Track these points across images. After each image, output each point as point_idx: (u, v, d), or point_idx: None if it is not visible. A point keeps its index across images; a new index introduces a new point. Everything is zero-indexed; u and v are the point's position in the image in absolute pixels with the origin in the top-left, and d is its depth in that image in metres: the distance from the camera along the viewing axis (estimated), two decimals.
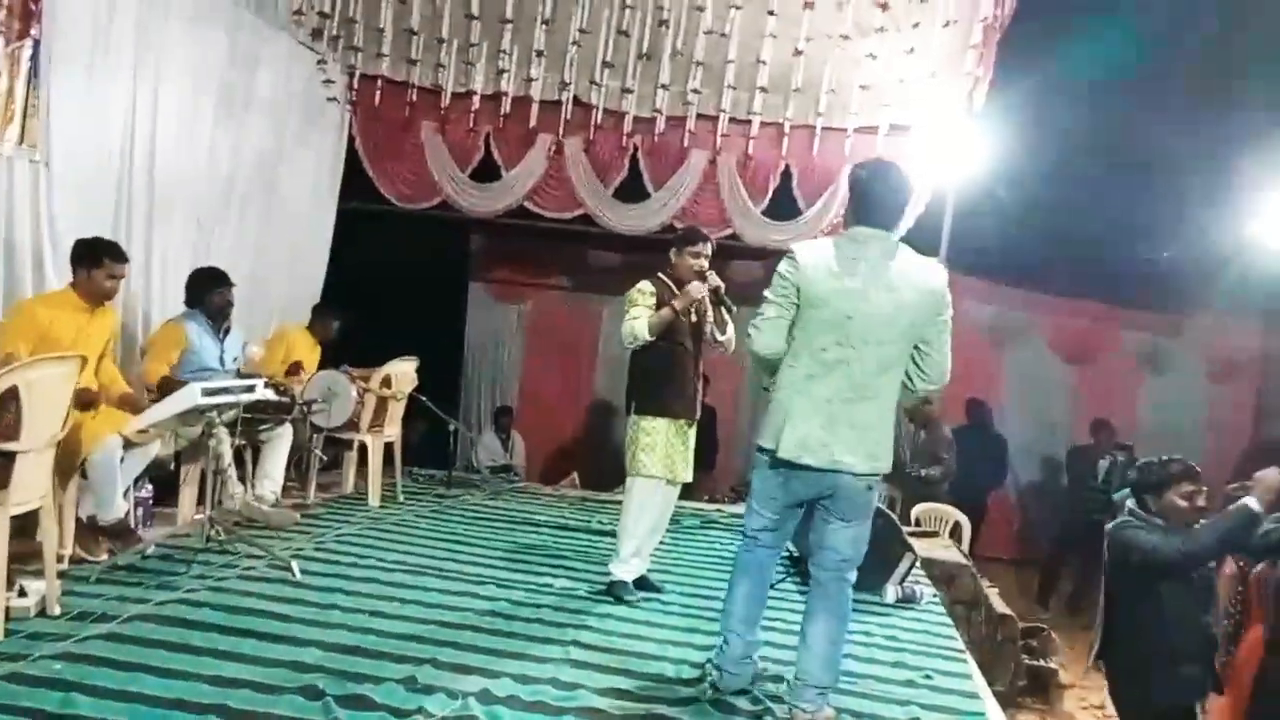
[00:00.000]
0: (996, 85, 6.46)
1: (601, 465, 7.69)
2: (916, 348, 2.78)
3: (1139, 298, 8.93)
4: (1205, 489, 3.41)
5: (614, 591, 3.94)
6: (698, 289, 3.88)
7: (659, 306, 3.90)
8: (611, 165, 6.89)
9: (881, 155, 6.61)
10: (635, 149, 6.85)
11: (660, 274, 4.04)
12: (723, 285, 3.99)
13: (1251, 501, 3.20)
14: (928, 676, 3.39)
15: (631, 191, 6.98)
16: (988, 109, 6.50)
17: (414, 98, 6.85)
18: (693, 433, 4.09)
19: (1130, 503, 3.53)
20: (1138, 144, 8.73)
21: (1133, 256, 8.80)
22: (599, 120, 6.77)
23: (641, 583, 4.06)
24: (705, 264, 3.97)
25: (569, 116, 6.79)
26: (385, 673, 2.85)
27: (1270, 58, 7.83)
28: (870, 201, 2.81)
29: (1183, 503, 3.36)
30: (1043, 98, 8.11)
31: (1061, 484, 8.45)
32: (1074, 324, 9.25)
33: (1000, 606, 5.45)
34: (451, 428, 6.20)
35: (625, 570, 3.99)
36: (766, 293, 2.85)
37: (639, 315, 3.89)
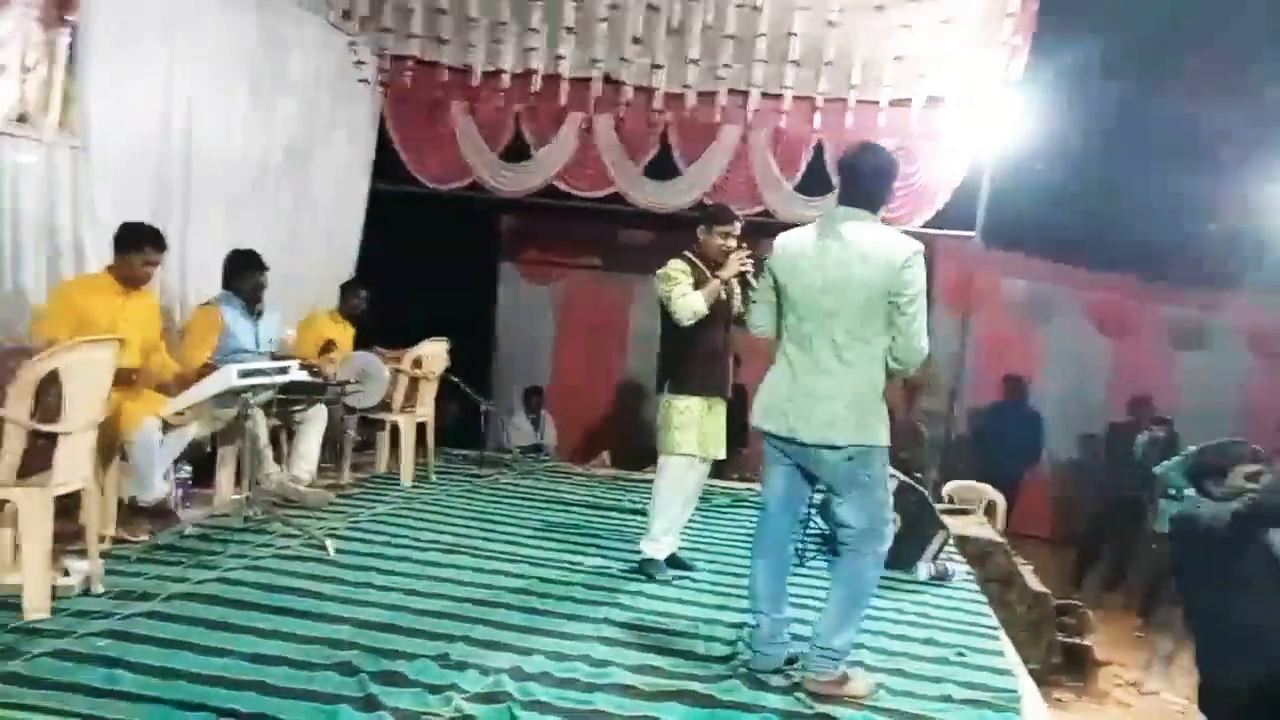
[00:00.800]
0: (1035, 55, 6.31)
1: (632, 445, 7.71)
2: (891, 321, 2.77)
3: (1178, 272, 8.73)
4: (1270, 470, 3.25)
5: (646, 569, 3.97)
6: (741, 260, 3.86)
7: (696, 286, 3.88)
8: (642, 142, 6.85)
9: (913, 128, 6.52)
10: (665, 126, 6.79)
11: (687, 253, 4.01)
12: (752, 266, 3.96)
13: None
14: (960, 654, 3.38)
15: (662, 169, 6.93)
16: (1026, 80, 6.34)
17: (444, 77, 6.85)
18: (724, 411, 4.09)
19: (1190, 491, 3.42)
20: (1178, 116, 8.50)
21: (1172, 230, 8.60)
22: (629, 97, 6.72)
23: (673, 560, 4.08)
24: (734, 243, 3.96)
25: (599, 94, 6.75)
26: (419, 649, 2.89)
27: None
28: (850, 180, 2.90)
29: (1249, 484, 3.21)
30: (1082, 68, 7.93)
31: (1099, 461, 8.32)
32: (1112, 299, 9.07)
33: (1035, 584, 5.41)
34: (483, 408, 6.24)
35: (657, 548, 4.01)
36: (756, 283, 3.12)
37: (687, 291, 3.86)
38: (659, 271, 3.97)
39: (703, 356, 3.97)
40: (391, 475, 5.42)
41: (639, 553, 4.05)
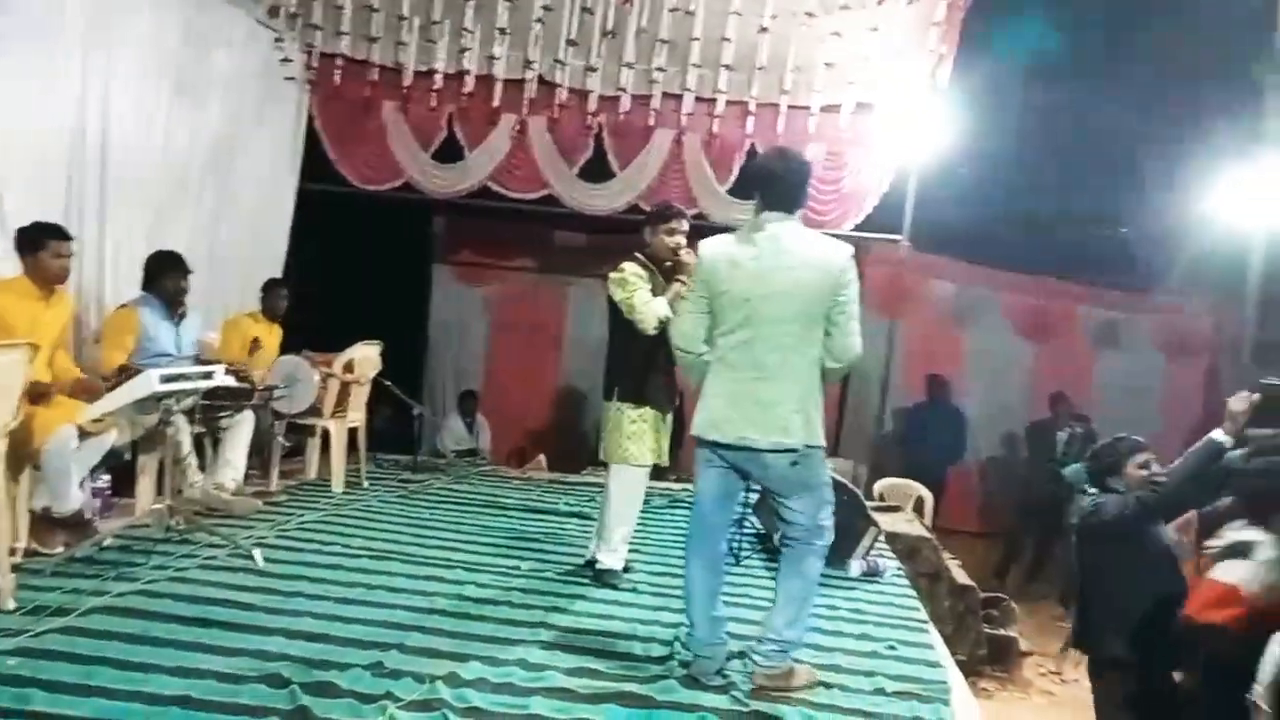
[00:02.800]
0: (960, 64, 6.50)
1: (569, 447, 7.70)
2: (827, 329, 2.82)
3: (1096, 274, 9.09)
4: (1155, 456, 3.52)
5: (606, 580, 3.93)
6: (692, 259, 3.84)
7: (654, 290, 3.84)
8: (576, 144, 6.85)
9: (843, 134, 6.66)
10: (600, 128, 6.81)
11: (637, 254, 3.97)
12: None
13: (1217, 433, 3.28)
14: (892, 647, 3.44)
15: (597, 171, 6.94)
16: (951, 87, 6.53)
17: (375, 76, 6.75)
18: (673, 418, 4.09)
19: (1093, 490, 3.61)
20: (1097, 123, 8.85)
21: (1090, 234, 8.96)
22: (563, 99, 6.72)
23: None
24: (682, 240, 3.92)
25: (533, 95, 6.73)
26: (351, 659, 2.83)
27: (1225, 41, 7.97)
28: (770, 186, 2.90)
29: (1141, 472, 3.48)
30: (1006, 76, 8.20)
31: (1022, 457, 8.59)
32: (1033, 300, 9.38)
33: (962, 578, 5.56)
34: (416, 412, 6.15)
35: (615, 558, 3.98)
36: (684, 294, 3.05)
37: (648, 298, 3.81)
38: (613, 275, 3.88)
39: (658, 365, 3.90)
40: (322, 482, 5.30)
41: (578, 556, 4.04)
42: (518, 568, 4.06)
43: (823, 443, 2.88)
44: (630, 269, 3.87)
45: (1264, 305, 8.18)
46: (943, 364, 8.76)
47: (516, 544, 4.47)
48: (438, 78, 6.70)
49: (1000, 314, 9.38)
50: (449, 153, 6.92)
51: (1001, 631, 5.81)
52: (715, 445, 2.89)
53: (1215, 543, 3.28)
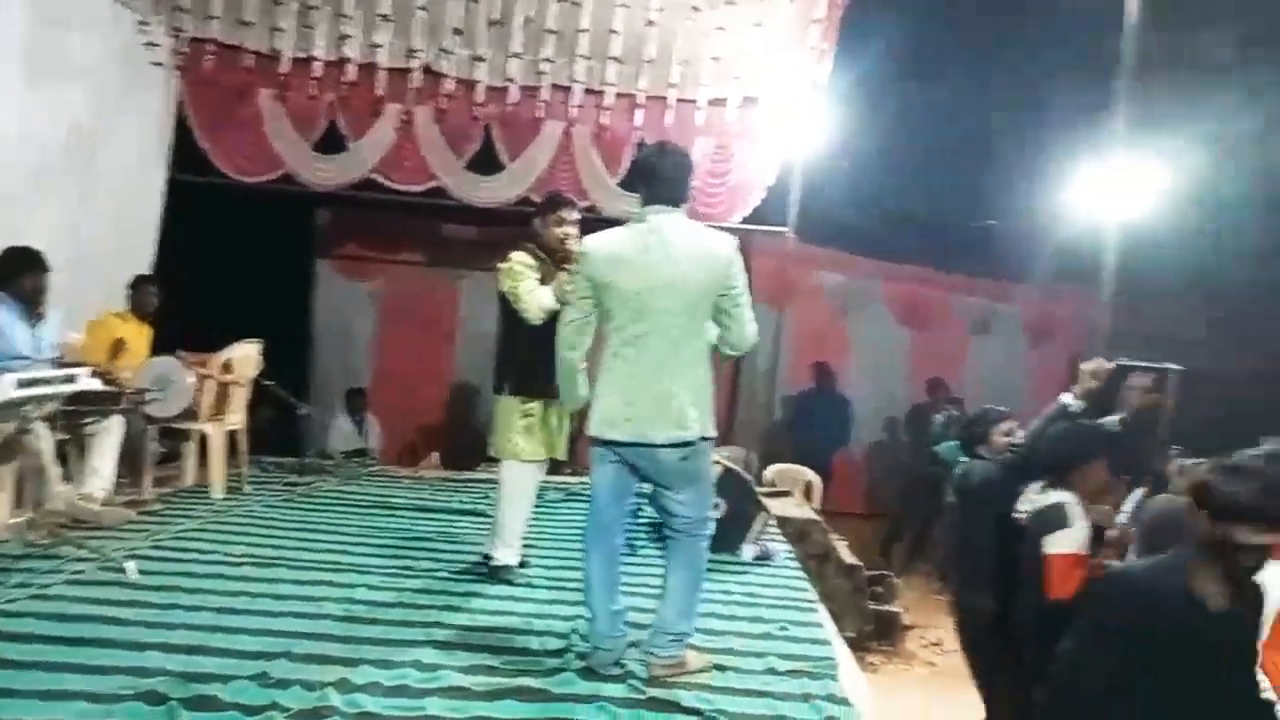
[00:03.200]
0: (841, 60, 6.71)
1: (463, 444, 7.58)
2: (719, 319, 2.88)
3: (969, 265, 9.55)
4: (1018, 425, 3.82)
5: (501, 576, 3.88)
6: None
7: (543, 280, 3.82)
8: (464, 136, 6.75)
9: (730, 128, 6.78)
10: (488, 119, 6.72)
11: (527, 244, 3.93)
12: None
13: (1065, 396, 3.55)
14: (783, 628, 3.54)
15: (486, 163, 6.86)
16: (833, 83, 6.73)
17: (249, 63, 6.48)
18: (566, 411, 4.05)
19: (963, 458, 3.84)
20: (967, 119, 9.29)
21: (963, 226, 9.40)
22: (450, 89, 6.60)
23: None
24: (572, 230, 3.90)
25: (418, 85, 6.59)
26: (235, 671, 2.73)
27: (1082, 39, 8.47)
28: (655, 180, 2.91)
29: (1005, 439, 3.77)
30: (883, 74, 8.50)
31: (903, 441, 8.97)
32: (912, 291, 9.80)
33: (849, 558, 5.77)
34: (301, 412, 5.96)
35: (510, 554, 3.94)
36: (569, 293, 3.05)
37: (534, 287, 3.77)
38: (502, 266, 3.85)
39: (546, 356, 3.85)
40: (201, 488, 5.08)
41: (474, 555, 4.00)
42: (410, 568, 3.99)
43: (712, 434, 2.92)
44: (518, 259, 3.84)
45: (1119, 294, 8.74)
46: (828, 353, 9.06)
47: (409, 544, 4.39)
48: (317, 65, 6.48)
49: (882, 304, 9.76)
50: (331, 143, 6.70)
51: (886, 607, 6.06)
52: (612, 442, 2.89)
53: (1024, 508, 3.52)
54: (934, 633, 6.28)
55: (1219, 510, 2.06)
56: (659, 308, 2.81)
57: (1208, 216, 8.04)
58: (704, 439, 2.88)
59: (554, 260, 3.89)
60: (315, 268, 8.57)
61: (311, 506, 5.07)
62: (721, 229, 3.02)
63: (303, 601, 3.44)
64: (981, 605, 3.81)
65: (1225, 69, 8.51)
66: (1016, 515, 3.57)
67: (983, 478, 3.75)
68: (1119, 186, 8.12)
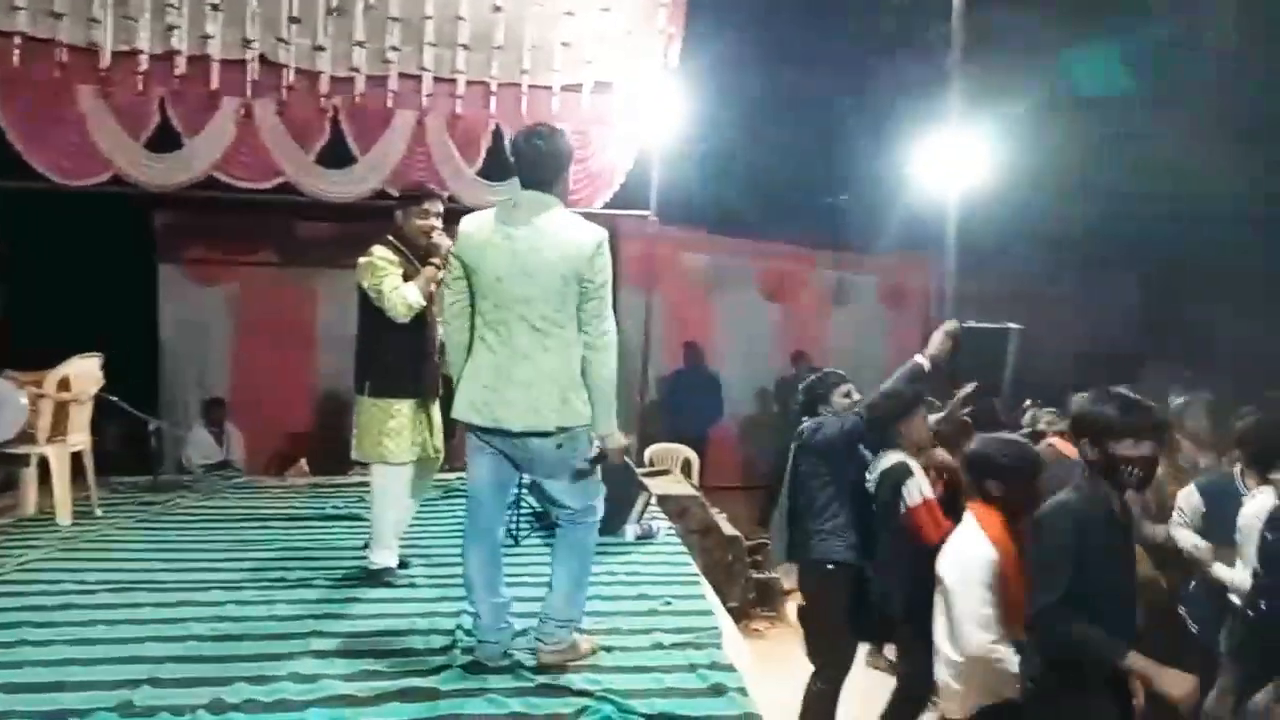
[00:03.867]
0: (692, 44, 6.81)
1: (334, 449, 7.31)
2: (578, 311, 2.85)
3: (825, 239, 9.93)
4: (855, 388, 4.05)
5: (380, 579, 3.78)
6: (446, 242, 3.72)
7: (406, 277, 3.71)
8: (310, 129, 6.47)
9: (586, 113, 6.78)
10: (335, 111, 6.48)
11: (388, 238, 3.81)
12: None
13: (919, 356, 3.77)
14: (667, 603, 3.62)
15: (337, 156, 6.61)
16: (685, 66, 6.83)
17: (64, 58, 5.99)
18: (438, 405, 3.97)
19: (805, 418, 4.07)
20: (817, 97, 9.64)
21: (818, 201, 9.76)
22: (291, 80, 6.32)
23: None
24: (437, 223, 3.82)
25: (256, 77, 6.27)
26: (93, 703, 2.57)
27: (920, 23, 8.92)
28: (527, 163, 2.88)
29: (845, 400, 3.95)
30: (735, 55, 8.69)
31: (773, 412, 9.27)
32: (774, 267, 10.10)
33: (729, 530, 5.93)
34: (152, 427, 5.61)
35: (388, 556, 3.84)
36: (445, 276, 3.01)
37: (398, 284, 3.65)
38: (362, 261, 3.71)
39: (411, 354, 3.77)
40: (45, 515, 4.72)
41: (352, 561, 3.89)
42: (283, 579, 3.84)
43: (587, 421, 2.87)
44: (379, 253, 3.72)
45: (961, 260, 9.29)
46: (698, 331, 9.24)
47: (281, 556, 4.22)
48: (142, 59, 6.07)
49: (746, 281, 10.02)
50: (165, 141, 6.31)
51: (767, 575, 6.26)
52: (477, 429, 2.86)
53: (870, 476, 3.79)
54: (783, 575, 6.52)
55: (1100, 432, 2.43)
56: (521, 294, 2.78)
57: (1037, 184, 8.63)
58: (575, 428, 2.84)
59: (418, 255, 3.81)
60: (158, 273, 8.06)
61: (171, 525, 4.79)
62: (585, 215, 3.00)
63: (166, 624, 3.26)
64: (842, 560, 4.00)
65: (1049, 47, 9.13)
66: (867, 483, 3.81)
67: (837, 429, 3.87)
68: (956, 158, 8.62)
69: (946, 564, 3.06)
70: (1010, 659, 2.83)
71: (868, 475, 3.82)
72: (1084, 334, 9.19)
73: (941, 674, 3.05)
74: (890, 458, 3.75)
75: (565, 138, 2.98)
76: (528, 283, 2.77)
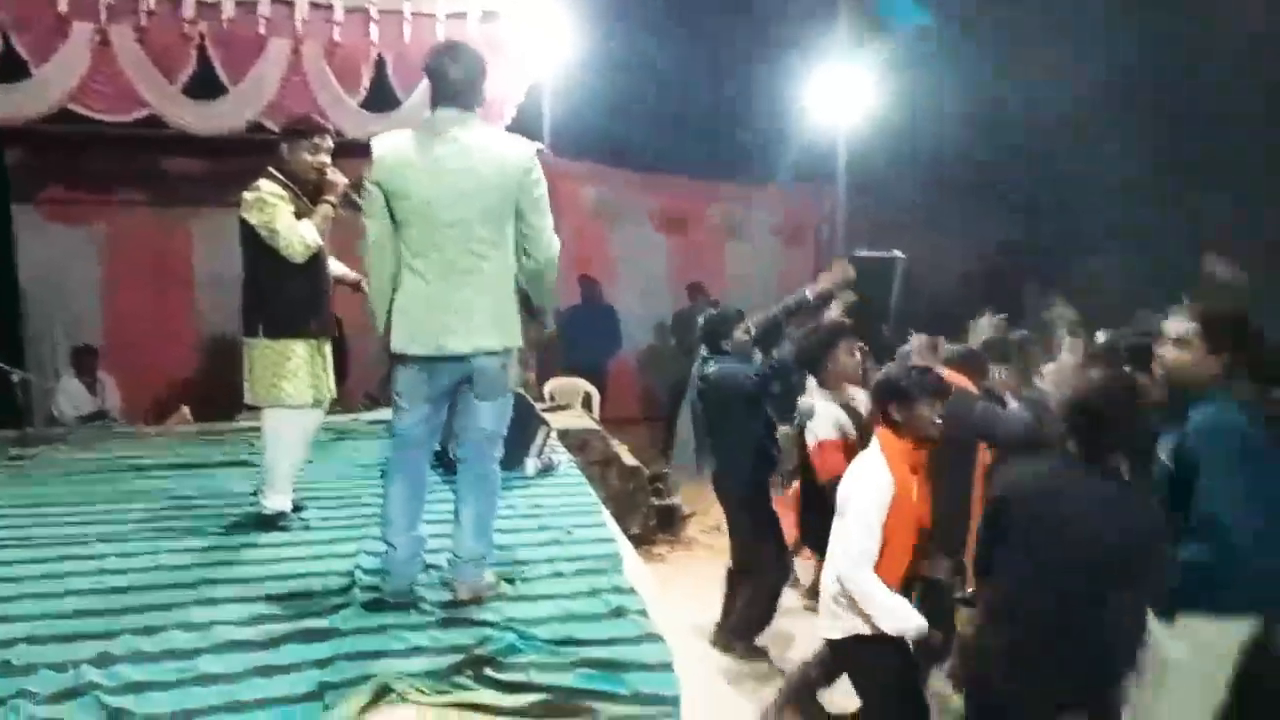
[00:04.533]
0: None
1: (218, 394, 7.04)
2: (518, 229, 2.84)
3: (719, 172, 9.98)
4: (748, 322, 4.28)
5: (274, 524, 3.70)
6: (341, 179, 3.59)
7: (298, 214, 3.54)
8: (175, 57, 6.03)
9: (472, 42, 6.55)
10: (201, 38, 6.06)
11: (273, 172, 3.62)
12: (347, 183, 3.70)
13: (806, 289, 3.93)
14: (569, 533, 3.67)
15: (206, 87, 6.21)
16: None
17: None
18: (330, 347, 3.86)
19: (704, 350, 4.20)
20: (711, 29, 9.58)
21: (712, 134, 9.77)
22: (151, 5, 5.85)
23: None
24: (327, 159, 3.66)
25: (111, 1, 5.79)
26: None
27: None
28: (445, 83, 2.79)
29: (745, 336, 4.19)
30: None
31: (671, 345, 9.38)
32: (669, 200, 10.13)
33: (629, 460, 6.03)
34: (16, 379, 5.28)
35: (282, 500, 3.75)
36: (363, 205, 2.84)
37: (293, 222, 3.48)
38: (248, 196, 3.52)
39: (307, 293, 3.63)
40: None
41: (245, 506, 3.78)
42: (170, 529, 3.71)
43: (519, 343, 2.91)
44: (267, 189, 3.54)
45: (851, 191, 9.51)
46: (595, 265, 9.21)
47: (167, 506, 4.05)
48: None
49: (642, 215, 10.02)
50: (11, 71, 5.79)
51: (667, 501, 6.41)
52: (417, 360, 2.80)
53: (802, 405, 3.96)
54: (712, 518, 6.72)
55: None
56: (454, 218, 2.71)
57: (922, 115, 8.85)
58: (512, 349, 2.88)
59: (306, 192, 3.64)
60: (11, 215, 7.48)
61: (44, 480, 4.54)
62: None
63: (44, 580, 3.12)
64: (748, 495, 4.28)
65: None
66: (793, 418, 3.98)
67: (735, 381, 4.13)
68: (846, 90, 8.76)
69: (844, 487, 3.16)
70: (873, 595, 2.95)
71: (796, 414, 3.98)
72: (967, 261, 9.57)
73: (824, 592, 3.19)
74: (805, 399, 3.91)
75: (478, 54, 2.89)
76: (462, 205, 2.70)
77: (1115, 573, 2.48)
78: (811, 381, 4.00)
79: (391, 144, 2.76)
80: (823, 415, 3.81)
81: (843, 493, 3.14)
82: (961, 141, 8.83)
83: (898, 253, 8.10)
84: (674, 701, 2.30)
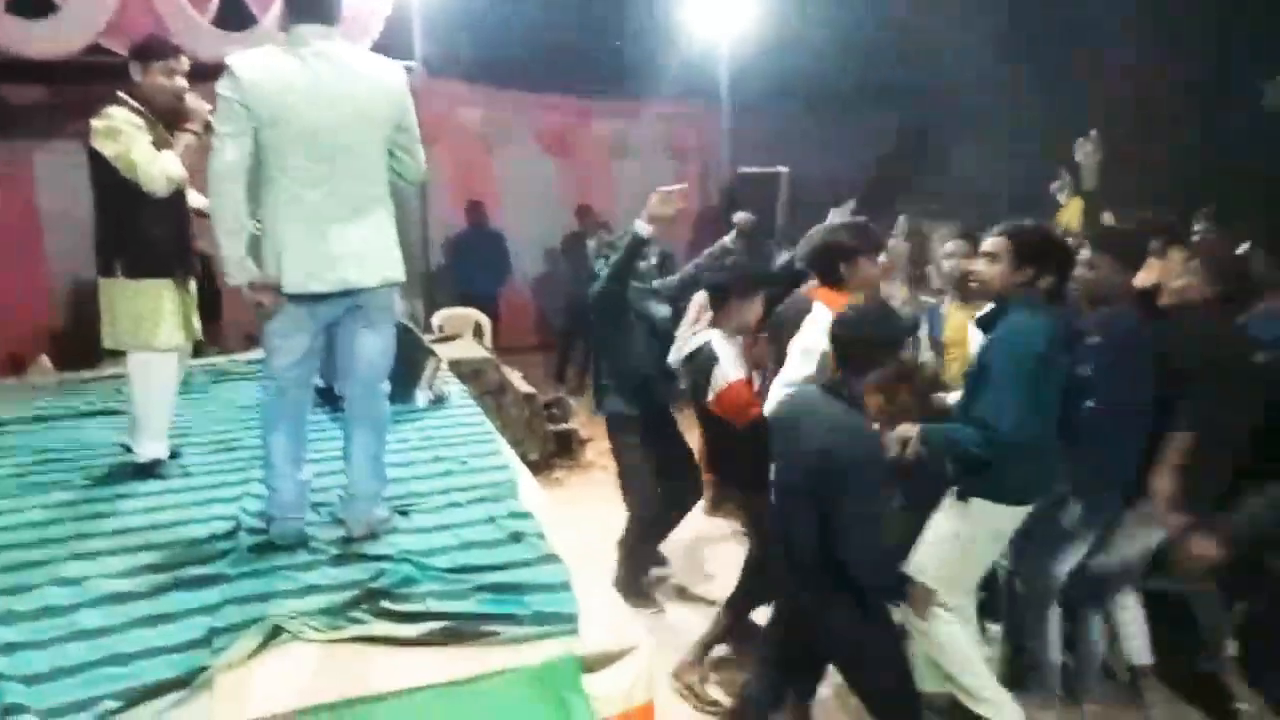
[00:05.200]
0: None
1: (79, 341, 6.62)
2: (391, 151, 2.74)
3: (602, 90, 9.77)
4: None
5: (150, 471, 3.53)
6: (203, 105, 3.33)
7: (157, 145, 3.28)
8: None
9: None
10: None
11: (123, 97, 3.33)
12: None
13: (639, 226, 3.95)
14: (463, 462, 3.64)
15: (36, 4, 5.66)
16: None
17: None
18: (195, 286, 3.65)
19: (601, 266, 4.19)
20: None
21: (592, 51, 9.53)
22: None
23: None
24: (184, 83, 3.39)
25: None
26: None
27: None
28: None
29: (644, 263, 4.23)
30: None
31: (561, 269, 9.28)
32: (554, 120, 9.88)
33: (524, 388, 6.01)
34: None
35: (158, 448, 3.57)
36: (214, 122, 2.63)
37: (153, 153, 3.21)
38: (98, 125, 3.23)
39: (169, 230, 3.40)
40: None
41: (117, 456, 3.60)
42: (37, 484, 3.49)
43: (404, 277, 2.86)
44: (122, 116, 3.26)
45: (734, 107, 9.49)
46: (480, 190, 8.98)
47: (32, 461, 3.79)
48: None
49: (527, 136, 9.76)
50: None
51: (564, 426, 6.44)
52: (302, 299, 2.65)
53: (677, 353, 3.91)
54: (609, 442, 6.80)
55: None
56: (343, 143, 2.56)
57: (804, 34, 8.85)
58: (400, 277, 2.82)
59: (162, 119, 3.37)
60: None
61: None
62: None
63: None
64: (625, 412, 4.27)
65: None
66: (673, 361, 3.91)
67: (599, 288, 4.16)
68: (726, 8, 8.66)
69: (795, 342, 3.31)
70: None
71: (673, 353, 3.91)
72: (847, 175, 9.75)
73: None
74: (698, 339, 3.76)
75: None
76: (350, 130, 2.57)
77: (833, 484, 2.67)
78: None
79: (262, 64, 2.52)
80: (727, 356, 3.64)
81: (793, 349, 3.29)
82: (840, 59, 8.89)
83: (782, 168, 8.20)
84: (572, 619, 2.34)
